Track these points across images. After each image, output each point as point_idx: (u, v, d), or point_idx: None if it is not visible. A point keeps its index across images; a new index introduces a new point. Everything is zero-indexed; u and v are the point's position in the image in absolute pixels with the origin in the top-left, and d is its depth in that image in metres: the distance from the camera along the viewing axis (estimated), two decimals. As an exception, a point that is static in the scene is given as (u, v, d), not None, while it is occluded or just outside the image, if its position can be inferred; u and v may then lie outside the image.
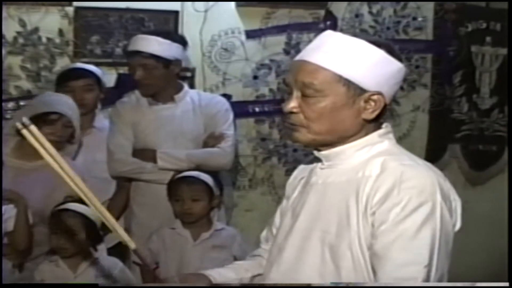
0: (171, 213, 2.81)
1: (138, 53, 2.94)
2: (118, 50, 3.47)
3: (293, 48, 3.66)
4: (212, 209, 2.82)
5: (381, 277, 1.40)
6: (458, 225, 1.50)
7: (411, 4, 3.84)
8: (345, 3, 3.75)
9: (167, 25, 3.49)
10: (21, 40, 3.39)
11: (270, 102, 3.69)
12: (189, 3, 3.52)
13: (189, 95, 3.08)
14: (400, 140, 1.60)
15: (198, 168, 2.88)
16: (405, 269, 1.38)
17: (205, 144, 3.01)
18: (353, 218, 1.45)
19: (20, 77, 3.41)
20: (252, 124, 3.71)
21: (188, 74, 3.49)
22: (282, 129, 3.70)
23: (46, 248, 2.60)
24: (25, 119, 1.52)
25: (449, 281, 1.47)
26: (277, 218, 1.75)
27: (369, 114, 1.50)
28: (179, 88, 3.07)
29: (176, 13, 3.51)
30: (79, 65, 3.21)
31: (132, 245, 1.51)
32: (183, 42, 3.09)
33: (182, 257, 2.71)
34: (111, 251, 2.79)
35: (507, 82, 3.91)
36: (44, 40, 3.41)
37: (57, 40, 3.42)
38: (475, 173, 4.03)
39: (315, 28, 3.61)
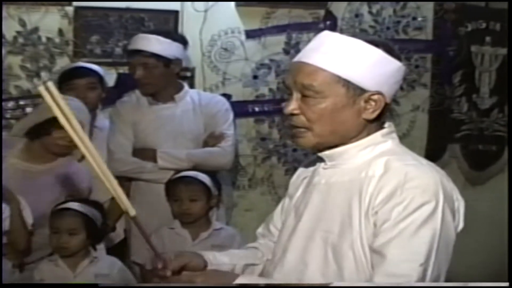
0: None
1: (139, 52, 2.94)
2: (118, 50, 3.48)
3: (292, 48, 3.66)
4: (210, 209, 2.82)
5: (377, 273, 1.40)
6: (461, 226, 1.50)
7: (411, 4, 3.84)
8: (345, 3, 3.75)
9: (167, 25, 3.49)
10: (21, 40, 3.39)
11: (270, 101, 3.69)
12: (189, 3, 3.52)
13: (189, 95, 3.09)
14: (400, 140, 1.60)
15: (198, 167, 2.88)
16: (399, 266, 1.38)
17: (205, 144, 3.02)
18: (356, 218, 1.46)
19: (20, 77, 3.41)
20: (252, 124, 3.71)
21: (188, 73, 3.49)
22: (282, 129, 3.71)
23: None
24: (43, 74, 1.48)
25: (448, 280, 1.47)
26: (276, 216, 1.75)
27: (370, 114, 1.50)
28: (179, 88, 3.07)
29: (176, 13, 3.51)
30: (82, 64, 3.21)
31: (132, 212, 1.51)
32: (183, 41, 3.09)
33: (182, 257, 2.71)
34: (111, 251, 2.80)
35: (507, 82, 3.91)
36: (44, 39, 3.41)
37: (57, 40, 3.42)
38: (475, 173, 4.03)
39: (315, 28, 3.61)
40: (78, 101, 2.76)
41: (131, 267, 2.87)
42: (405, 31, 3.86)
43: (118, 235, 3.10)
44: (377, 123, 1.54)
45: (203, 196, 2.75)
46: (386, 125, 1.57)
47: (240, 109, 3.52)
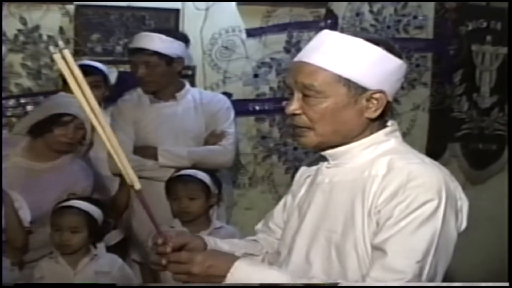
0: (172, 210, 2.81)
1: (141, 50, 2.94)
2: (119, 48, 3.48)
3: (293, 47, 3.66)
4: (210, 207, 2.81)
5: (374, 266, 1.40)
6: (464, 225, 1.49)
7: (412, 3, 3.84)
8: (346, 2, 3.75)
9: (168, 24, 3.49)
10: (22, 38, 3.39)
11: (271, 100, 3.69)
12: (190, 1, 3.52)
13: (190, 93, 3.09)
14: (400, 138, 1.60)
15: (199, 165, 2.88)
16: (397, 261, 1.38)
17: (206, 142, 3.02)
18: (359, 218, 1.45)
19: (20, 75, 3.41)
20: (253, 123, 3.71)
21: (189, 72, 3.49)
22: (283, 128, 3.71)
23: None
24: (61, 43, 1.43)
25: (448, 279, 1.47)
26: (276, 213, 1.75)
27: (372, 113, 1.50)
28: (181, 86, 3.08)
29: (177, 11, 3.51)
30: (88, 62, 3.21)
31: (137, 185, 1.52)
32: (185, 39, 3.09)
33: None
34: (111, 249, 2.80)
35: (507, 81, 3.91)
36: (44, 38, 3.41)
37: (58, 38, 3.41)
38: (475, 172, 4.03)
39: (315, 27, 3.61)
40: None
41: (131, 265, 2.87)
42: (406, 30, 3.86)
43: (119, 233, 3.11)
44: (379, 121, 1.53)
45: (202, 194, 2.75)
46: (389, 123, 1.56)
47: (241, 107, 3.52)
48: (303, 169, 1.73)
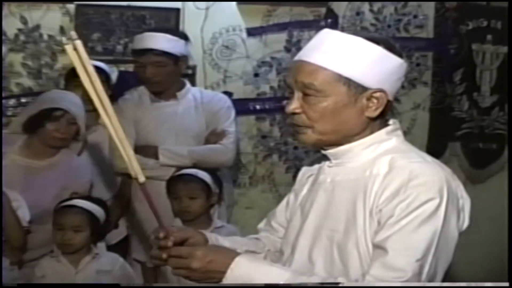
0: (173, 210, 2.82)
1: (149, 51, 2.92)
2: (119, 48, 3.48)
3: (294, 46, 3.66)
4: (211, 206, 2.82)
5: (374, 264, 1.40)
6: (466, 224, 1.49)
7: (412, 2, 3.84)
8: (346, 1, 3.75)
9: (168, 23, 3.49)
10: (22, 37, 3.39)
11: (271, 99, 3.69)
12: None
13: (191, 93, 3.09)
14: (401, 138, 1.60)
15: (199, 164, 2.88)
16: (397, 259, 1.37)
17: (207, 141, 3.02)
18: (360, 217, 1.46)
19: (21, 74, 3.41)
20: (253, 122, 3.71)
21: (189, 71, 3.49)
22: (283, 127, 3.71)
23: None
24: (73, 33, 1.41)
25: (448, 279, 1.47)
26: (278, 212, 1.75)
27: (373, 112, 1.50)
28: (182, 86, 3.08)
29: (177, 10, 3.51)
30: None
31: (141, 178, 1.53)
32: (185, 38, 3.09)
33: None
34: (112, 248, 2.80)
35: (508, 80, 3.91)
36: (45, 37, 3.41)
37: (58, 38, 3.41)
38: (475, 171, 4.03)
39: (316, 26, 3.61)
40: (75, 96, 2.77)
41: (132, 264, 2.87)
42: (406, 29, 3.86)
43: (120, 232, 3.11)
44: (380, 120, 1.54)
45: (203, 194, 2.75)
46: (391, 122, 1.56)
47: (241, 107, 3.52)
48: (305, 169, 1.73)
